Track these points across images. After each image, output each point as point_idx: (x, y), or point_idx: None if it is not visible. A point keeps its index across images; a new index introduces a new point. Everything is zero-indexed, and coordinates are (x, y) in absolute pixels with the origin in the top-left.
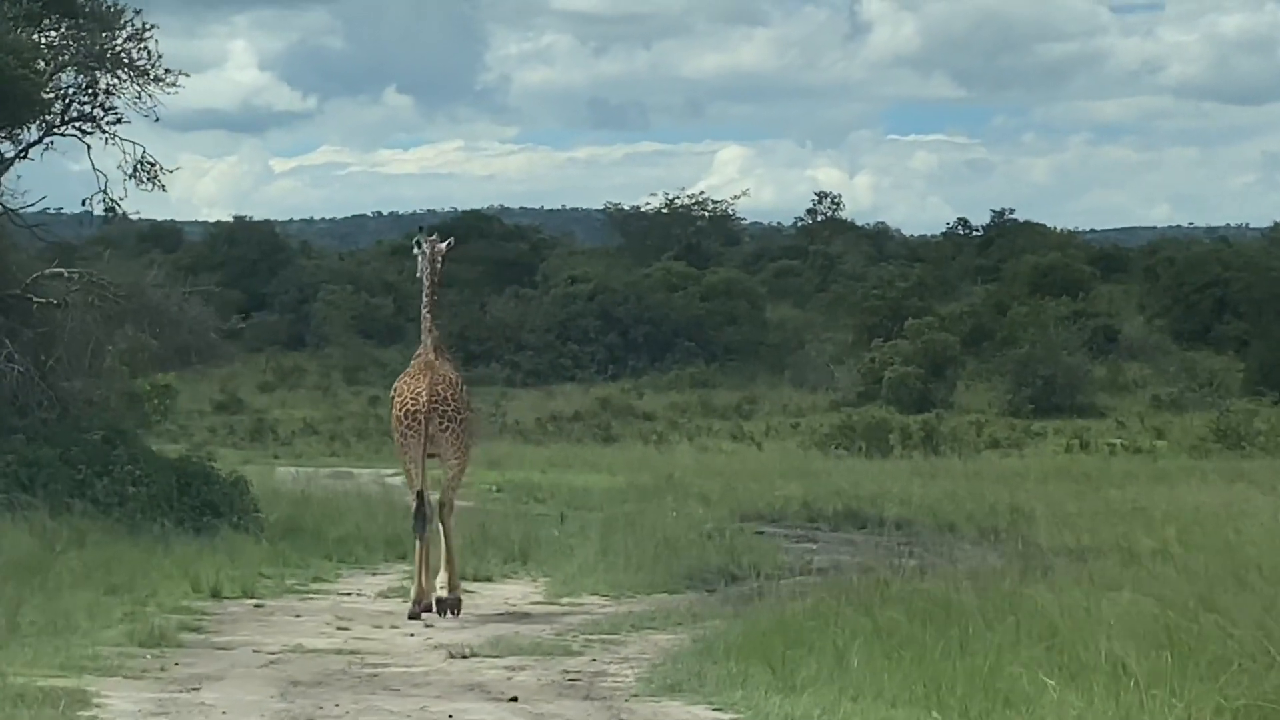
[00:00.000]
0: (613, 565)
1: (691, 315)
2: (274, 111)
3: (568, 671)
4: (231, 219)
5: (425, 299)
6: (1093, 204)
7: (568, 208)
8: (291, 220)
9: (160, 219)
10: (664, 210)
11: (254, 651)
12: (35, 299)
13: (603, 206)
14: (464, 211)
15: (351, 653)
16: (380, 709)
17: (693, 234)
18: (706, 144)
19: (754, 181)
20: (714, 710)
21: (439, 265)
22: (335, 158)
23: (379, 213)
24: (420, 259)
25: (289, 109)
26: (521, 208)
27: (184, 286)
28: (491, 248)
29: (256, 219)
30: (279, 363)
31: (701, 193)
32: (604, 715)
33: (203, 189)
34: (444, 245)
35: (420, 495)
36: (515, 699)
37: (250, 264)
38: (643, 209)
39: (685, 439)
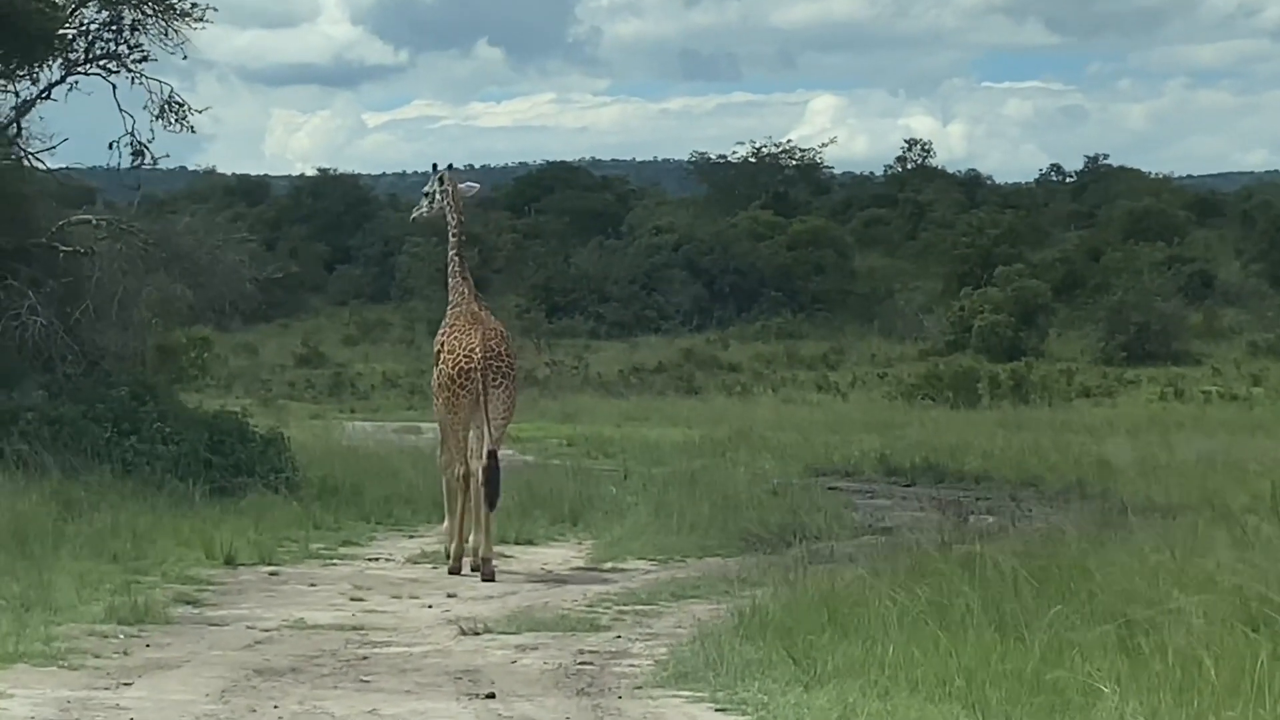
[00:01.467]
0: (665, 526)
1: (778, 265)
2: (366, 66)
3: (583, 652)
4: (317, 173)
5: (453, 241)
6: (1189, 149)
7: (659, 159)
8: (384, 174)
9: (254, 174)
10: (751, 159)
11: (246, 628)
12: (61, 247)
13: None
14: (550, 163)
15: (354, 629)
16: (323, 713)
17: (780, 183)
18: (799, 94)
19: (845, 131)
20: (717, 711)
21: (462, 206)
22: (427, 111)
23: (470, 165)
24: (443, 197)
25: (381, 63)
26: (613, 160)
27: (220, 235)
28: (577, 199)
29: (343, 172)
30: (363, 316)
31: (789, 141)
32: (588, 716)
33: (295, 144)
34: (465, 187)
35: (493, 455)
36: (492, 696)
37: (335, 217)
38: (730, 158)
39: (769, 390)
